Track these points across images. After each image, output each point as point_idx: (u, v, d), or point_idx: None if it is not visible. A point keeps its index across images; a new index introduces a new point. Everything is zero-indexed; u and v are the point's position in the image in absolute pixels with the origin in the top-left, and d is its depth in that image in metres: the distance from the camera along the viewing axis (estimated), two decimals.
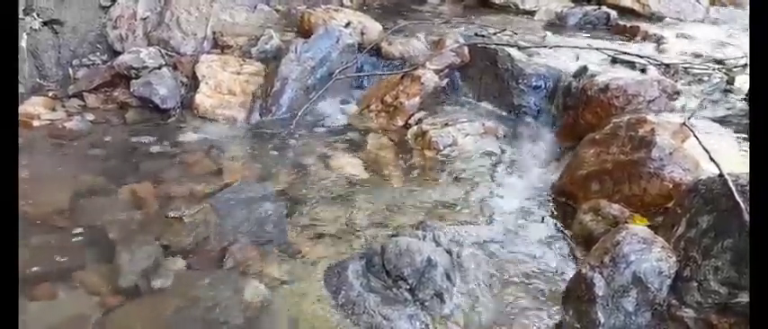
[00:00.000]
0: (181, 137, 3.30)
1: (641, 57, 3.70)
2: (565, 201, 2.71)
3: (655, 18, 5.15)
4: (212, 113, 3.54)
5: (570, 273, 2.15)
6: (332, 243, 2.37)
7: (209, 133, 3.37)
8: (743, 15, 5.35)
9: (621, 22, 4.85)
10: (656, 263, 1.90)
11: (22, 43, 3.48)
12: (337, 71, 3.80)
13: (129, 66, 3.65)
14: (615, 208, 2.36)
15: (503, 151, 3.23)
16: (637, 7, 5.21)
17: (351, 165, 3.04)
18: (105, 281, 2.09)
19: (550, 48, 3.96)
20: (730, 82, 3.38)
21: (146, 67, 3.66)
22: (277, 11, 4.83)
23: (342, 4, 4.82)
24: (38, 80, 3.70)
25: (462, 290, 2.09)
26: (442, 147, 3.20)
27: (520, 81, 3.60)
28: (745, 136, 2.75)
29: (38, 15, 3.55)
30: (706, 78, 3.50)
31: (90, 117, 3.44)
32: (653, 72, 3.48)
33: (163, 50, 3.85)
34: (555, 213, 2.66)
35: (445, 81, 3.82)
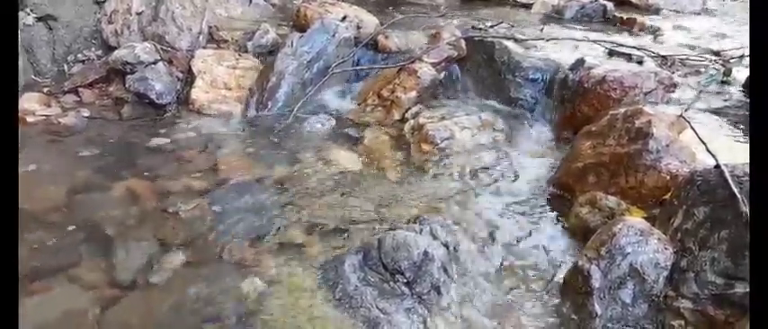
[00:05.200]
0: (177, 132, 3.29)
1: (638, 49, 3.70)
2: (562, 194, 2.71)
3: (652, 10, 5.16)
4: (208, 108, 3.53)
5: (567, 266, 2.15)
6: (329, 237, 2.37)
7: (206, 128, 3.36)
8: (739, 7, 5.36)
9: (618, 15, 4.85)
10: (652, 255, 1.91)
11: None
12: (334, 65, 3.79)
13: (125, 62, 3.63)
14: (612, 201, 2.36)
15: (500, 144, 3.23)
16: None
17: (347, 160, 3.04)
18: (102, 277, 2.09)
19: (547, 40, 3.95)
20: (727, 73, 3.39)
21: (141, 63, 3.64)
22: (273, 5, 4.81)
23: None
24: (32, 76, 3.69)
25: (459, 283, 2.09)
26: (438, 141, 3.19)
27: (517, 74, 3.59)
28: (742, 127, 2.75)
29: (31, 11, 3.54)
30: (703, 70, 3.50)
31: (85, 113, 3.43)
32: (650, 64, 3.48)
33: (158, 45, 3.84)
34: (552, 205, 2.66)
35: (442, 74, 3.81)
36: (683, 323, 1.84)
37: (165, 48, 3.89)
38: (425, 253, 2.08)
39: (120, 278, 2.09)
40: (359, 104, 3.70)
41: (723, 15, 5.14)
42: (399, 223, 2.44)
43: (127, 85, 3.61)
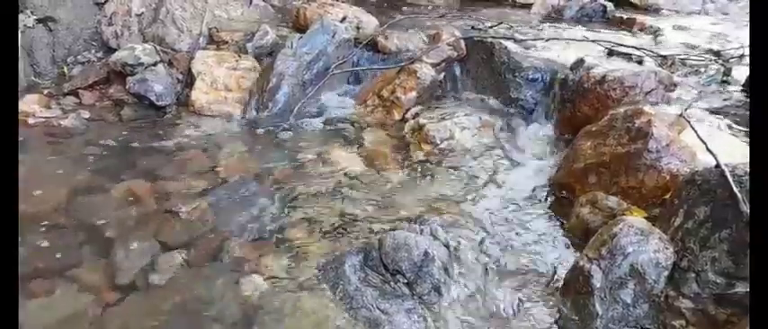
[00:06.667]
0: (177, 133, 3.29)
1: (638, 48, 3.70)
2: (562, 194, 2.71)
3: (651, 9, 5.16)
4: (208, 109, 3.54)
5: (568, 266, 2.15)
6: (329, 237, 2.37)
7: (206, 129, 3.36)
8: (739, 7, 5.36)
9: (618, 14, 4.86)
10: (653, 255, 1.91)
11: None
12: (333, 66, 3.79)
13: (125, 63, 3.64)
14: (612, 201, 2.36)
15: (500, 144, 3.23)
16: None
17: (348, 160, 3.04)
18: (103, 278, 2.09)
19: (547, 40, 3.95)
20: (727, 73, 3.38)
21: (141, 64, 3.65)
22: (272, 6, 4.81)
23: None
24: (33, 78, 3.70)
25: (460, 284, 2.09)
26: (439, 142, 3.19)
27: (517, 74, 3.59)
28: (742, 126, 2.75)
29: (31, 13, 3.55)
30: (703, 69, 3.50)
31: (85, 114, 3.43)
32: (650, 64, 3.48)
33: (158, 47, 3.84)
34: (552, 206, 2.66)
35: (442, 75, 3.81)
36: (684, 322, 1.84)
37: (165, 49, 3.89)
38: (426, 253, 2.08)
39: (121, 279, 2.09)
40: (359, 105, 3.70)
41: (723, 15, 5.14)
42: (400, 223, 2.44)
43: (127, 87, 3.61)
